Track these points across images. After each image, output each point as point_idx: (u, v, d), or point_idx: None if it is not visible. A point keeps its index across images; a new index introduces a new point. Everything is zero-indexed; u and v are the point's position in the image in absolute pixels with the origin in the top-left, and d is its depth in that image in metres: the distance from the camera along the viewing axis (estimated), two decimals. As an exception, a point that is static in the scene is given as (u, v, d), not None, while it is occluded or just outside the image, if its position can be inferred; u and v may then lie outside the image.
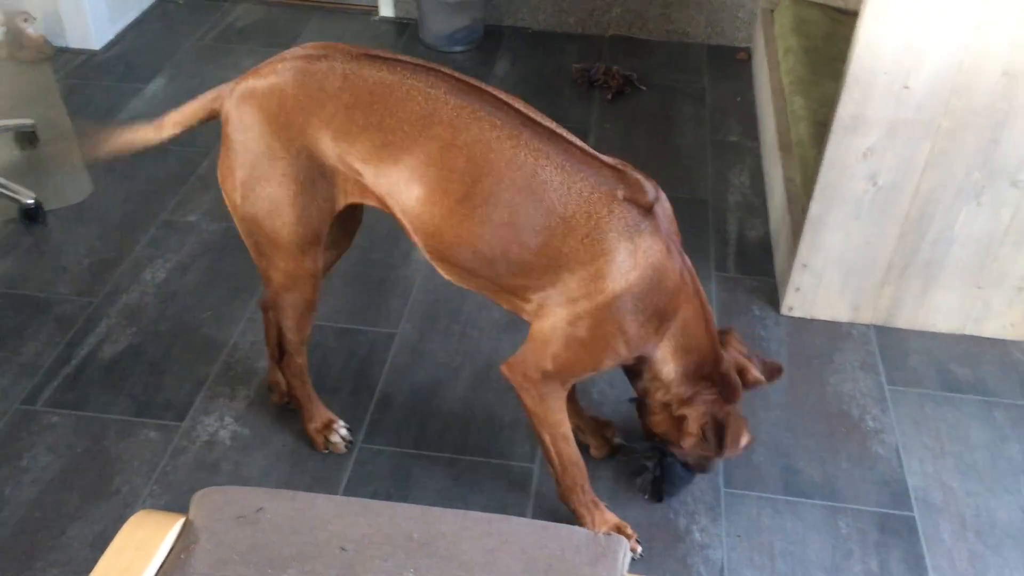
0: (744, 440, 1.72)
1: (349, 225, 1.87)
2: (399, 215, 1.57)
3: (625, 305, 1.51)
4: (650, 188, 1.54)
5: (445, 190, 1.49)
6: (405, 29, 3.66)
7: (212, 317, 2.29)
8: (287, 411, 2.03)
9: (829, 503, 1.90)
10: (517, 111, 1.51)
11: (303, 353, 1.86)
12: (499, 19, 3.68)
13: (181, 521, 1.17)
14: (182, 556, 1.12)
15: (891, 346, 2.29)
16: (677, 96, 3.29)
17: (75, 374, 2.12)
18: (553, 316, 1.55)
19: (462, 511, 1.21)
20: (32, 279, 2.39)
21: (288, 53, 1.58)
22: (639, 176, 1.55)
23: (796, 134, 2.61)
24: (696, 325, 1.61)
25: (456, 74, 1.53)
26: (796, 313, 2.37)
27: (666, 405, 1.69)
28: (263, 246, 1.67)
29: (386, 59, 1.53)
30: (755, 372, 1.72)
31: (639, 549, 1.79)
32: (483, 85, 1.53)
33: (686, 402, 1.67)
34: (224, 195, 1.65)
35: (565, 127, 1.56)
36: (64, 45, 3.38)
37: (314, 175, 1.57)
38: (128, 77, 3.25)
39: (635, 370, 1.69)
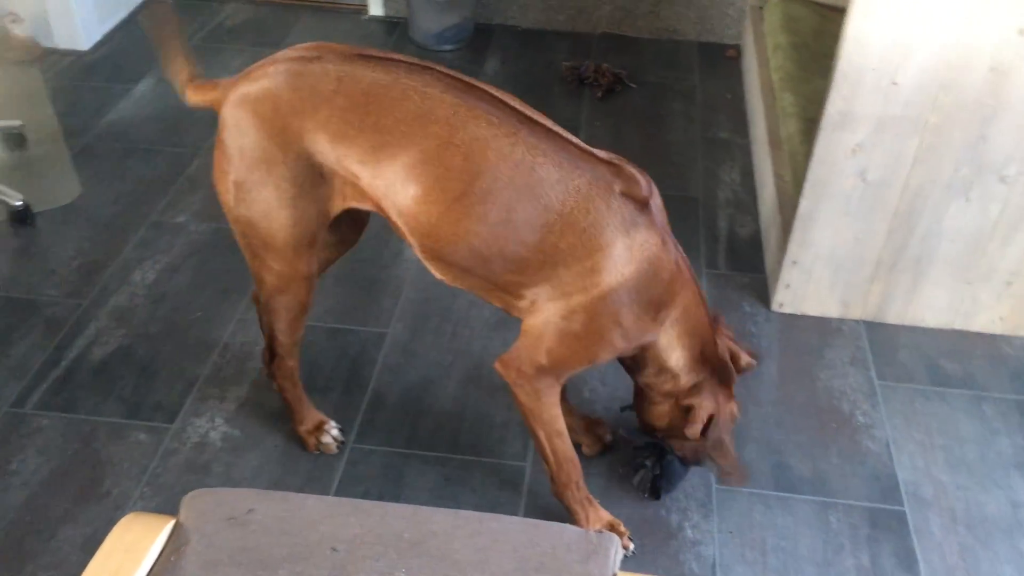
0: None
1: (357, 223, 1.87)
2: (395, 217, 1.57)
3: (620, 298, 1.51)
4: (644, 182, 1.55)
5: (443, 188, 1.49)
6: (395, 28, 3.65)
7: (202, 318, 2.29)
8: (278, 412, 2.02)
9: (820, 498, 1.91)
10: (513, 108, 1.51)
11: (295, 355, 1.85)
12: (489, 17, 3.68)
13: (171, 523, 1.17)
14: (172, 558, 1.12)
15: (881, 341, 2.30)
16: (667, 93, 3.30)
17: (64, 376, 2.11)
18: (547, 311, 1.55)
19: (453, 510, 1.21)
20: (20, 281, 2.38)
21: (280, 55, 1.57)
22: (633, 170, 1.55)
23: (786, 131, 2.62)
24: (697, 308, 1.63)
25: (451, 72, 1.53)
26: (786, 309, 2.38)
27: (669, 395, 1.70)
28: (256, 248, 1.67)
29: (380, 59, 1.53)
30: (746, 357, 1.75)
31: (631, 546, 1.79)
32: (478, 82, 1.53)
33: (692, 391, 1.67)
34: (218, 196, 1.64)
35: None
36: (52, 46, 3.36)
37: (311, 178, 1.57)
38: (116, 78, 3.24)
39: (636, 363, 1.69)
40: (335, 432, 1.97)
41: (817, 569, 1.78)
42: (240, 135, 1.55)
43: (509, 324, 2.21)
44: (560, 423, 1.68)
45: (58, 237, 2.53)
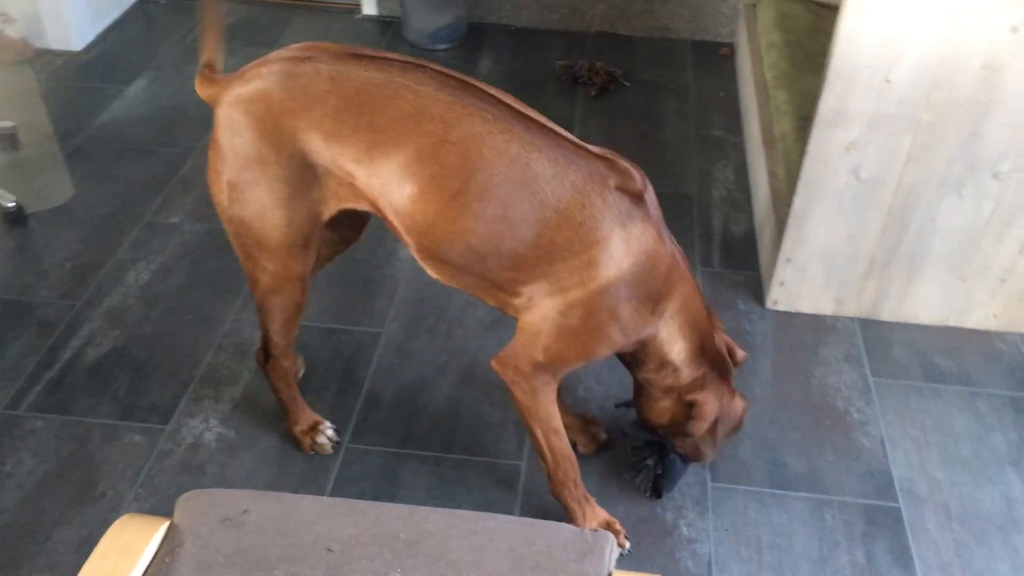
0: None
1: (357, 221, 1.87)
2: (391, 216, 1.56)
3: (618, 292, 1.51)
4: (638, 176, 1.55)
5: (439, 187, 1.49)
6: (388, 27, 3.65)
7: (196, 319, 2.28)
8: (273, 413, 2.02)
9: (815, 495, 1.91)
10: (507, 105, 1.51)
11: (289, 356, 1.85)
12: (482, 16, 3.68)
13: (166, 525, 1.17)
14: (167, 560, 1.12)
15: (875, 338, 2.31)
16: (661, 92, 3.30)
17: (58, 378, 2.11)
18: (544, 307, 1.55)
19: (448, 510, 1.21)
20: (13, 283, 2.37)
21: (273, 56, 1.57)
22: (627, 164, 1.56)
23: (779, 129, 2.62)
24: (695, 300, 1.63)
25: (444, 70, 1.53)
26: (781, 307, 2.38)
27: (671, 391, 1.70)
28: (250, 248, 1.66)
29: (372, 58, 1.53)
30: (740, 351, 1.76)
31: (627, 545, 1.79)
32: (472, 80, 1.53)
33: (694, 386, 1.67)
34: (212, 197, 1.64)
35: (549, 123, 1.56)
36: (44, 46, 3.35)
37: (305, 179, 1.57)
38: (109, 78, 3.23)
39: (636, 359, 1.69)
40: (330, 432, 1.97)
41: (812, 566, 1.78)
42: (234, 135, 1.55)
43: (504, 324, 2.21)
44: (557, 421, 1.68)
45: (51, 238, 2.52)
